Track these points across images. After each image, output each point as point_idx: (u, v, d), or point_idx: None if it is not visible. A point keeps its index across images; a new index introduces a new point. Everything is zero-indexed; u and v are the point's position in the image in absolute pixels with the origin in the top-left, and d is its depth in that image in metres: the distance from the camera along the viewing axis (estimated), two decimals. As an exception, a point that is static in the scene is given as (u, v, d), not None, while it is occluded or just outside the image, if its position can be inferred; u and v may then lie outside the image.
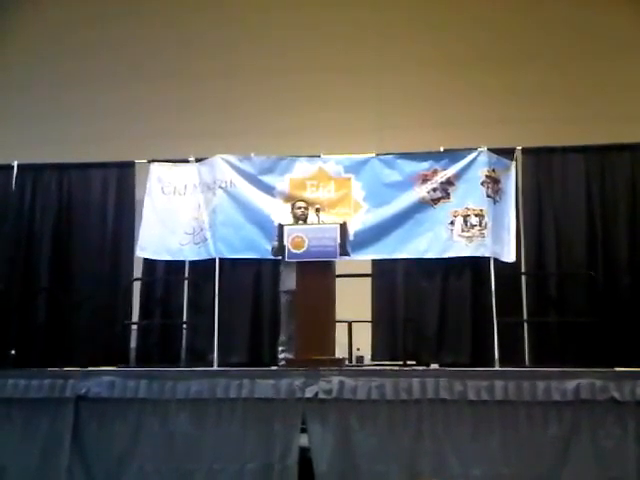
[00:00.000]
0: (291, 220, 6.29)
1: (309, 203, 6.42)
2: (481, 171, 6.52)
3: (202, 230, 6.73)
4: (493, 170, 6.55)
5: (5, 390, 5.62)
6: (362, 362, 7.21)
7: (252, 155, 6.85)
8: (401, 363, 6.35)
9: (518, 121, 8.37)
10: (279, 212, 6.62)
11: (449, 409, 5.19)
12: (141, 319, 7.03)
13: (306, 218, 6.30)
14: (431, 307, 6.63)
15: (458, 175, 6.58)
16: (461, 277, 6.60)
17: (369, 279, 6.83)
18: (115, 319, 6.88)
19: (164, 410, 5.45)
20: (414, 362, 6.42)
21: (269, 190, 6.77)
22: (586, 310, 6.39)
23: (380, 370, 5.69)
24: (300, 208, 6.36)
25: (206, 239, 6.68)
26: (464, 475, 5.09)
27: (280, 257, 6.05)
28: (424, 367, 6.19)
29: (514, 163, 6.70)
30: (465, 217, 6.48)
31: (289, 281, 6.05)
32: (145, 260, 7.00)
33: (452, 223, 6.49)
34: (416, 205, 6.60)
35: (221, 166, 6.79)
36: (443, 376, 5.26)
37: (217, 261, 6.61)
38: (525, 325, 6.56)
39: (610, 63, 8.56)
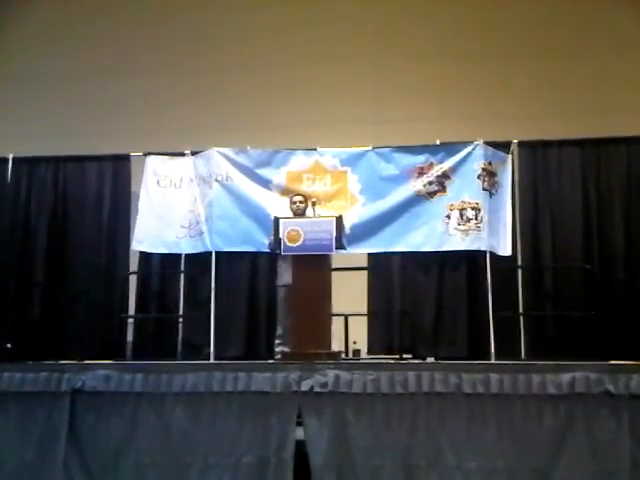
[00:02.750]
0: (290, 214, 6.28)
1: (306, 196, 6.42)
2: (477, 164, 6.52)
3: (198, 223, 6.72)
4: (489, 163, 6.55)
5: (1, 383, 5.62)
6: (359, 355, 7.22)
7: (248, 148, 6.84)
8: (397, 356, 6.36)
9: (514, 114, 8.37)
10: (275, 205, 6.61)
11: (445, 402, 5.21)
12: (137, 312, 7.02)
13: (304, 212, 6.30)
14: (427, 301, 6.62)
15: (454, 168, 6.57)
16: (457, 271, 6.59)
17: (365, 273, 6.83)
18: (111, 312, 6.88)
19: (160, 404, 5.45)
20: (410, 355, 6.44)
21: (265, 183, 6.76)
22: (582, 303, 6.41)
23: (376, 363, 5.71)
24: (295, 203, 6.36)
25: (202, 232, 6.68)
26: (460, 468, 5.11)
27: (277, 252, 6.05)
28: (420, 360, 6.20)
29: (510, 156, 6.69)
30: (461, 210, 6.48)
31: (286, 275, 6.07)
32: (141, 253, 6.99)
33: (448, 216, 6.49)
34: (412, 198, 6.59)
35: (217, 159, 6.78)
36: (439, 369, 5.27)
37: (213, 254, 6.62)
38: (521, 318, 6.57)
39: (606, 57, 8.56)
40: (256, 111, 9.06)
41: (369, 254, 6.76)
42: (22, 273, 7.01)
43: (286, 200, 6.52)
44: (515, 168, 6.73)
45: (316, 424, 5.26)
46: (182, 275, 6.94)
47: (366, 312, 6.81)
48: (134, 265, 7.06)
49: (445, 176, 6.58)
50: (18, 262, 7.03)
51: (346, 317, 6.80)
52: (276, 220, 5.93)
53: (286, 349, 5.99)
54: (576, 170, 6.74)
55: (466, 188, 6.51)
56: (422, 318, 6.61)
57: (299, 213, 6.29)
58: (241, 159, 6.79)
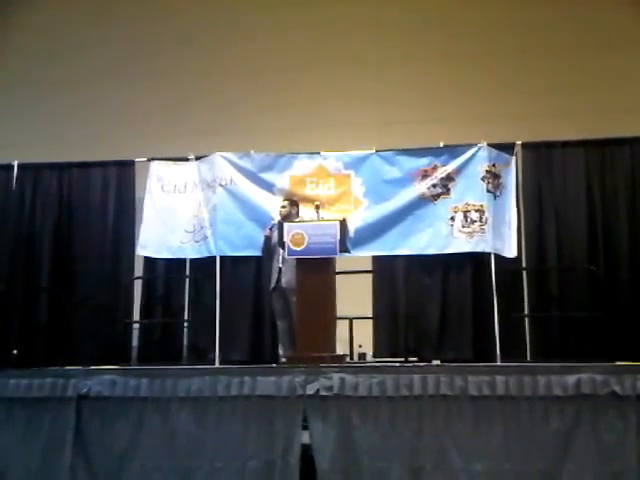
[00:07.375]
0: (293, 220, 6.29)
1: (293, 201, 6.47)
2: (481, 166, 6.51)
3: (202, 228, 6.74)
4: (493, 165, 6.54)
5: (7, 390, 5.60)
6: (364, 359, 7.21)
7: (252, 152, 6.85)
8: (403, 359, 6.35)
9: (518, 116, 8.36)
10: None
11: (450, 405, 5.17)
12: (142, 318, 7.04)
13: (287, 216, 6.28)
14: (432, 303, 6.63)
15: (458, 170, 6.57)
16: (462, 273, 6.59)
17: (370, 276, 6.83)
18: (116, 318, 6.90)
19: (165, 408, 5.43)
20: (416, 358, 6.43)
21: (269, 187, 6.77)
22: (587, 305, 6.41)
23: (381, 366, 5.69)
24: (279, 207, 6.40)
25: (207, 237, 6.69)
26: (466, 470, 5.07)
27: (266, 257, 6.22)
28: (426, 363, 6.19)
29: (514, 158, 6.69)
30: (465, 213, 6.47)
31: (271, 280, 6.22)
32: (146, 258, 7.01)
33: (452, 219, 6.49)
34: (416, 201, 6.59)
35: (221, 164, 6.80)
36: (444, 372, 5.24)
37: (218, 259, 6.62)
38: (526, 320, 6.56)
39: (609, 57, 8.55)
40: (259, 115, 9.08)
41: (373, 257, 6.77)
42: (27, 279, 7.04)
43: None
44: (519, 169, 6.73)
45: (322, 427, 5.23)
46: (187, 280, 6.96)
47: (371, 315, 6.81)
48: (139, 270, 7.08)
49: (449, 178, 6.57)
50: (23, 268, 7.06)
51: (351, 320, 6.80)
52: (280, 224, 5.94)
53: (286, 353, 6.01)
54: (580, 171, 6.73)
55: (470, 190, 6.51)
56: (427, 321, 6.61)
57: (283, 217, 6.29)
58: (245, 163, 6.80)
